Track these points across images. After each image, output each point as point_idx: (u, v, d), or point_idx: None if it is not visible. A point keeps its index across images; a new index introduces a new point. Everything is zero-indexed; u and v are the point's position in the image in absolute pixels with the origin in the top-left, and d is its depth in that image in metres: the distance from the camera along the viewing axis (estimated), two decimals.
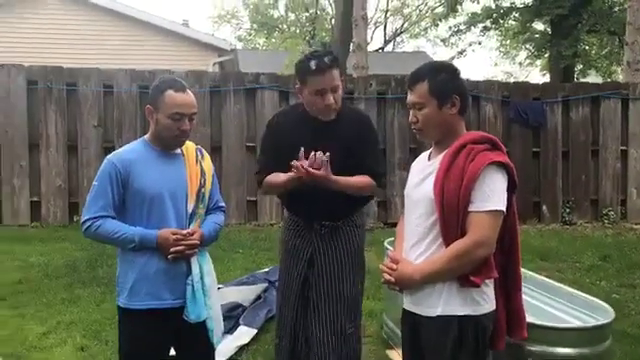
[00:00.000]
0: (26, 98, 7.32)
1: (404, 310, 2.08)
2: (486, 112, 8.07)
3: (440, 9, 24.27)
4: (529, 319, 2.11)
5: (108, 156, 2.27)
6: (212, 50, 14.20)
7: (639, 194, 8.37)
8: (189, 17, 32.81)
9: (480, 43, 22.13)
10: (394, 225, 2.48)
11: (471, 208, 1.87)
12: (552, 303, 2.68)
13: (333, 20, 22.64)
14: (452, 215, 1.88)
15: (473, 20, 18.63)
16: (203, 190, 2.31)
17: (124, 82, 7.50)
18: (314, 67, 2.45)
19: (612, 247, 6.66)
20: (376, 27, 30.17)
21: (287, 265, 2.69)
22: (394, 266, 2.01)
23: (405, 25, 30.84)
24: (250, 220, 7.69)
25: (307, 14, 29.54)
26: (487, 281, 1.94)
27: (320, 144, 2.43)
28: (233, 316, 3.92)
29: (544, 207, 8.21)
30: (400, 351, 2.23)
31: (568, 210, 8.21)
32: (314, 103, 2.52)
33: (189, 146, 2.36)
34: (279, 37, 30.87)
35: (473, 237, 1.86)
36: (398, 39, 31.70)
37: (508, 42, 26.03)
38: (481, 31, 19.56)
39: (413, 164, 2.20)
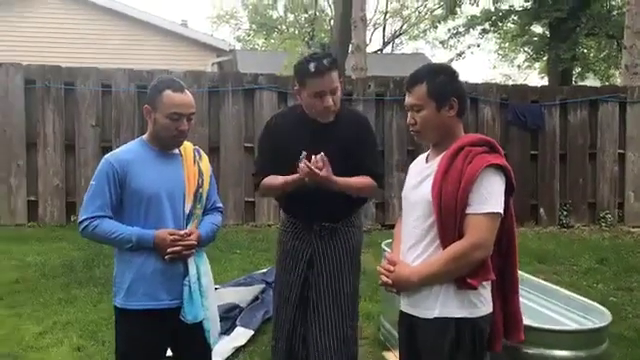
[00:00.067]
0: (24, 97, 7.31)
1: (401, 312, 2.08)
2: (484, 114, 8.09)
3: (439, 11, 24.28)
4: (526, 321, 2.11)
5: (106, 156, 2.27)
6: (211, 50, 14.19)
7: (636, 197, 8.38)
8: (188, 17, 32.97)
9: (479, 45, 22.27)
10: (392, 227, 2.48)
11: (469, 210, 1.88)
12: (549, 306, 2.69)
13: (332, 21, 22.65)
14: (450, 217, 1.88)
15: (472, 22, 18.68)
16: (201, 191, 2.31)
17: (122, 82, 7.50)
18: (313, 69, 2.45)
19: (609, 250, 6.68)
20: (375, 29, 30.24)
21: (285, 266, 2.68)
22: (391, 268, 2.01)
23: (404, 27, 30.90)
24: (248, 221, 7.69)
25: (306, 15, 29.57)
26: (484, 283, 1.94)
27: (319, 146, 2.43)
28: (230, 317, 3.91)
29: (542, 210, 8.22)
30: (397, 353, 2.23)
31: (565, 213, 8.23)
32: (313, 105, 2.52)
33: (187, 146, 2.36)
34: (278, 38, 30.88)
35: (470, 239, 1.86)
36: (397, 41, 31.79)
37: (507, 45, 26.09)
38: (480, 33, 19.63)
39: (411, 166, 2.20)
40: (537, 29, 19.34)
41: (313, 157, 2.37)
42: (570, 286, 4.56)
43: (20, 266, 5.51)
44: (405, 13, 30.16)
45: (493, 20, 18.36)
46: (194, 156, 2.35)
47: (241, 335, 3.77)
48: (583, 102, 8.27)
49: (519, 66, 27.13)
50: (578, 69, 20.33)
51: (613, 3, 17.19)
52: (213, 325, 2.31)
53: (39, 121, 7.33)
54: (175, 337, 2.28)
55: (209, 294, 2.30)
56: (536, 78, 33.65)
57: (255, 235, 7.01)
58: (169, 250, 2.17)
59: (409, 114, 2.04)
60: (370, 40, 27.81)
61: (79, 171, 7.38)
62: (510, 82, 25.37)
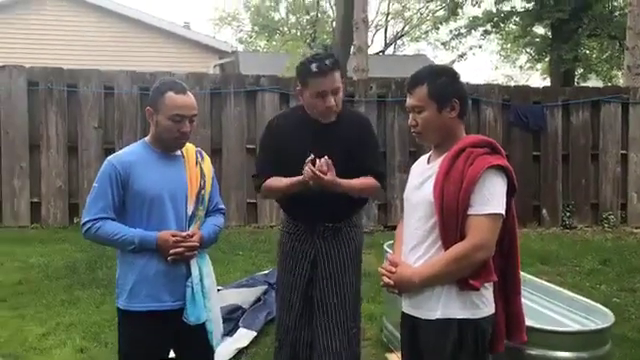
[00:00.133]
0: (27, 99, 7.33)
1: (403, 313, 2.08)
2: (486, 116, 8.08)
3: (441, 12, 24.29)
4: (529, 323, 2.11)
5: (108, 158, 2.27)
6: (213, 52, 14.22)
7: (639, 198, 8.37)
8: (190, 19, 33.00)
9: (481, 47, 22.16)
10: (394, 228, 2.48)
11: (470, 211, 1.88)
12: (552, 307, 2.68)
13: (334, 23, 22.67)
14: (451, 218, 1.88)
15: (474, 24, 18.66)
16: (203, 192, 2.32)
17: (125, 84, 7.52)
18: (315, 69, 2.45)
19: (612, 251, 6.66)
20: (377, 30, 30.22)
21: (287, 268, 2.68)
22: (393, 269, 2.01)
23: (406, 28, 30.87)
24: (250, 222, 7.70)
25: (308, 17, 29.58)
26: (486, 284, 1.94)
27: (320, 146, 2.43)
28: (233, 318, 3.91)
29: (544, 211, 8.21)
30: (400, 354, 2.23)
31: (568, 214, 8.22)
32: (315, 105, 2.52)
33: (189, 148, 2.36)
34: (280, 39, 30.89)
35: (472, 240, 1.86)
36: (399, 42, 31.75)
37: (509, 46, 26.06)
38: (482, 35, 19.59)
39: (412, 167, 2.20)
40: (539, 30, 19.32)
41: (317, 161, 2.37)
42: (573, 287, 4.56)
43: (23, 268, 5.53)
44: (407, 14, 30.16)
45: (495, 21, 18.34)
46: (196, 158, 2.36)
47: (244, 336, 3.77)
48: (585, 103, 8.26)
49: (521, 67, 27.10)
50: (580, 70, 20.29)
51: (615, 4, 17.18)
52: (216, 326, 2.31)
53: (42, 123, 7.36)
54: (178, 338, 2.29)
55: (212, 295, 2.30)
56: (538, 79, 33.62)
57: (257, 236, 7.01)
58: (171, 251, 2.17)
59: (410, 115, 2.05)
60: (372, 41, 27.82)
61: (82, 173, 7.40)
62: (512, 83, 25.35)
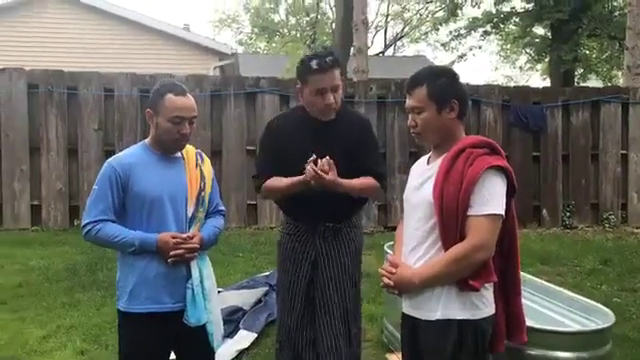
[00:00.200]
0: (27, 102, 7.33)
1: (403, 314, 2.08)
2: (486, 116, 8.09)
3: (441, 13, 24.31)
4: (529, 323, 2.11)
5: (108, 160, 2.27)
6: (213, 54, 14.23)
7: None
8: (190, 21, 32.99)
9: (480, 47, 22.25)
10: (394, 229, 2.48)
11: (470, 212, 1.88)
12: (552, 307, 2.68)
13: (334, 24, 22.65)
14: (451, 219, 1.89)
15: (473, 24, 18.68)
16: (203, 194, 2.32)
17: (125, 86, 7.52)
18: (315, 66, 2.46)
19: (613, 251, 6.66)
20: (377, 31, 30.22)
21: (288, 269, 2.68)
22: (393, 270, 2.01)
23: (405, 29, 30.88)
24: (250, 224, 7.70)
25: (308, 18, 29.58)
26: (486, 285, 1.94)
27: (320, 145, 2.44)
28: (233, 320, 3.91)
29: (544, 211, 8.20)
30: (400, 355, 2.23)
31: (568, 214, 8.22)
32: (314, 103, 2.52)
33: (189, 150, 2.36)
34: (280, 41, 30.91)
35: (472, 241, 1.86)
36: (398, 43, 31.75)
37: (508, 46, 26.08)
38: (481, 35, 19.61)
39: (412, 168, 2.20)
40: (539, 30, 19.34)
41: (319, 161, 2.37)
42: (574, 287, 4.56)
43: (24, 270, 5.53)
44: (406, 16, 30.18)
45: (495, 22, 18.36)
46: (196, 159, 2.36)
47: (244, 338, 3.77)
48: (585, 103, 8.27)
49: (521, 68, 27.10)
50: (580, 70, 20.31)
51: (615, 4, 17.19)
52: (216, 328, 2.31)
53: (42, 125, 7.36)
54: (178, 340, 2.29)
55: (212, 297, 2.30)
56: (538, 79, 33.64)
57: (258, 238, 7.01)
58: (172, 253, 2.17)
59: (410, 116, 2.05)
60: (372, 43, 27.82)
61: (82, 175, 7.40)
62: (512, 84, 25.37)
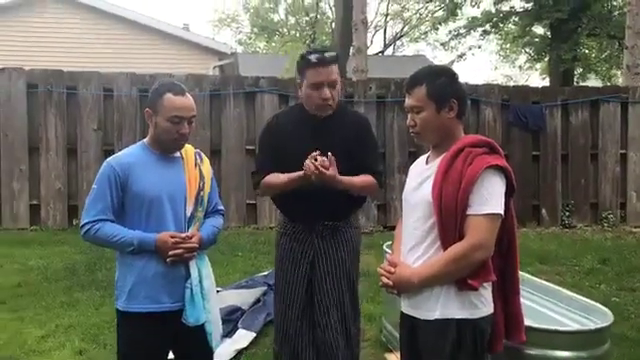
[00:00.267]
0: (26, 102, 7.33)
1: (402, 313, 2.08)
2: (486, 116, 8.09)
3: (440, 13, 24.29)
4: (527, 322, 2.11)
5: (107, 159, 2.27)
6: (212, 54, 14.22)
7: (639, 197, 8.37)
8: (190, 21, 32.98)
9: (480, 47, 22.21)
10: (393, 228, 2.48)
11: (469, 211, 1.88)
12: (551, 306, 2.68)
13: (333, 24, 22.68)
14: (450, 218, 1.89)
15: (473, 24, 18.70)
16: (202, 193, 2.32)
17: (124, 85, 7.52)
18: (314, 60, 2.48)
19: (612, 250, 6.66)
20: (376, 31, 30.22)
21: (286, 269, 2.68)
22: (392, 269, 2.01)
23: (405, 29, 30.89)
24: (249, 223, 7.70)
25: (307, 18, 29.58)
26: (485, 284, 1.94)
27: (319, 141, 2.44)
28: (232, 319, 3.92)
29: (543, 210, 8.21)
30: (399, 354, 2.23)
31: (568, 213, 8.22)
32: (311, 96, 2.52)
33: (188, 149, 2.36)
34: (279, 41, 30.91)
35: (471, 240, 1.86)
36: (398, 43, 31.75)
37: (508, 46, 26.07)
38: (481, 35, 19.63)
39: (411, 167, 2.20)
40: (538, 30, 19.36)
41: (319, 158, 2.37)
42: (572, 287, 4.56)
43: (22, 270, 5.52)
44: (406, 15, 30.17)
45: (494, 21, 18.39)
46: (195, 159, 2.36)
47: (243, 337, 3.77)
48: (584, 102, 8.27)
49: (520, 67, 27.13)
50: (579, 70, 20.33)
51: (614, 3, 17.21)
52: (215, 328, 2.31)
53: (41, 125, 7.35)
54: (177, 340, 2.29)
55: (211, 297, 2.30)
56: (537, 79, 33.67)
57: (257, 237, 7.01)
58: (171, 253, 2.17)
59: (409, 116, 2.05)
60: (371, 42, 27.80)
61: (81, 175, 7.39)
62: (511, 83, 25.39)
